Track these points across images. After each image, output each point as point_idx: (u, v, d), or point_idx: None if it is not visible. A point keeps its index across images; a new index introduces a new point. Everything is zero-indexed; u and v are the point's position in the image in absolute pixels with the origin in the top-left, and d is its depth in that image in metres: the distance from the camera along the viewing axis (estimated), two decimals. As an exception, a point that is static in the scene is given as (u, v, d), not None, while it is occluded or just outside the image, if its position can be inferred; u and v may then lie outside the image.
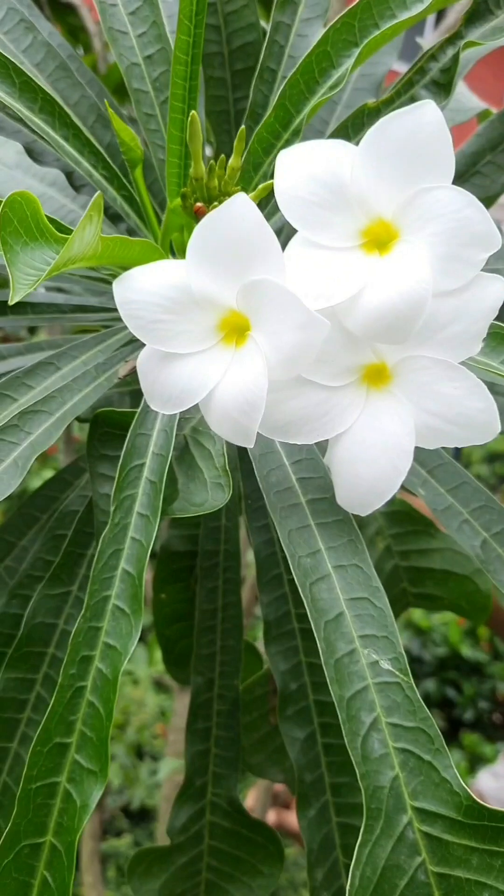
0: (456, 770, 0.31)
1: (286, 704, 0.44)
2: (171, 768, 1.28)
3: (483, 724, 2.68)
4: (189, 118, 0.35)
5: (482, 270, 0.32)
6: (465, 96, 0.64)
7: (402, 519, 0.54)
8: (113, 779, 2.08)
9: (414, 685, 0.32)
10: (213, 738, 0.49)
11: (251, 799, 1.27)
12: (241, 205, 0.30)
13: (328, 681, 0.32)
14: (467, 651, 2.79)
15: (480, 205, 0.31)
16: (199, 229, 0.30)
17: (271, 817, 1.29)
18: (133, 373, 0.43)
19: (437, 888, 0.30)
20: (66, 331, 0.74)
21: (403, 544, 0.54)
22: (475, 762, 2.45)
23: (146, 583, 0.36)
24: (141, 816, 2.14)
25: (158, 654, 2.34)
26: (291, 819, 1.17)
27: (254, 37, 0.54)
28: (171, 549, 0.57)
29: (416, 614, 2.82)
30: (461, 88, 0.64)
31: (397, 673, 0.32)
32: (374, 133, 0.32)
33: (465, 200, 0.31)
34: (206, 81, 0.56)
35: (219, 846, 0.49)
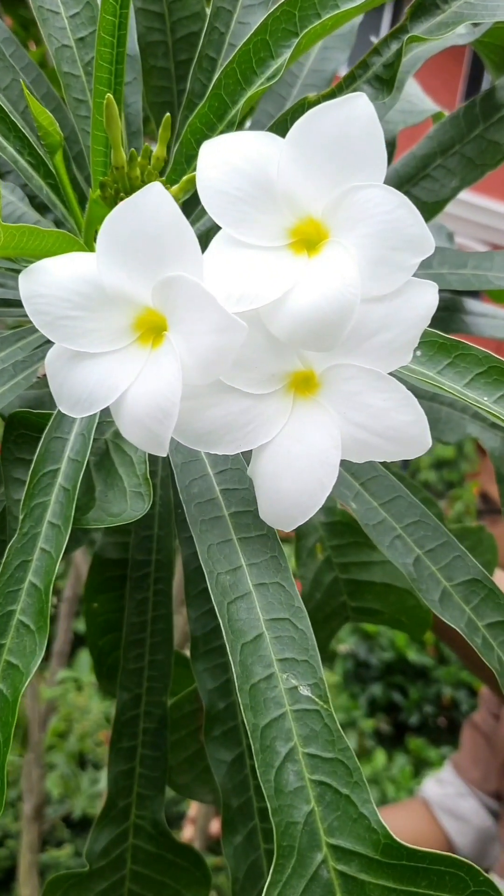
0: (374, 805, 0.29)
1: (213, 725, 0.42)
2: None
3: (428, 728, 2.71)
4: (105, 101, 0.33)
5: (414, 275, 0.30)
6: (419, 98, 0.62)
7: (342, 530, 0.53)
8: (53, 789, 2.04)
9: (334, 713, 0.30)
10: (138, 758, 0.47)
11: (193, 808, 1.25)
12: (154, 195, 0.28)
13: (242, 707, 0.30)
14: (413, 656, 2.81)
15: (412, 206, 0.29)
16: (109, 220, 0.28)
17: (215, 826, 1.27)
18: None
19: (352, 931, 0.28)
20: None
21: (344, 556, 0.53)
22: (420, 766, 2.47)
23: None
24: (83, 826, 2.10)
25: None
26: None
27: (199, 26, 0.52)
28: (105, 557, 0.55)
29: (363, 618, 2.83)
30: (415, 90, 0.62)
31: (317, 700, 0.30)
32: (302, 126, 0.30)
33: (397, 201, 0.29)
34: (148, 71, 0.53)
35: (142, 871, 0.47)
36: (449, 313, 0.58)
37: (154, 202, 0.28)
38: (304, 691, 0.31)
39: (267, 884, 0.28)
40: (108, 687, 0.59)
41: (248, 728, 0.30)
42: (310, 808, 0.29)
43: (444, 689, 2.79)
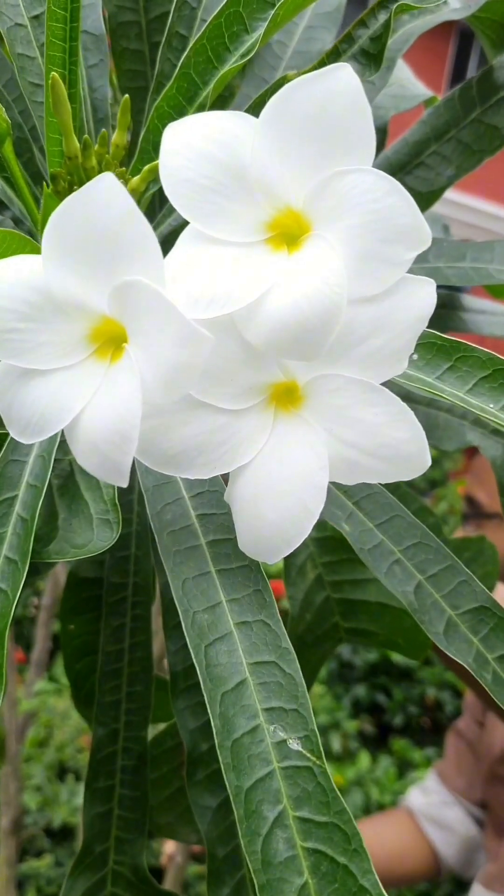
0: (376, 876, 0.26)
1: (195, 768, 0.38)
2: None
3: (412, 729, 2.70)
4: (51, 81, 0.29)
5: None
6: (411, 82, 0.58)
7: (334, 546, 0.49)
8: (30, 802, 2.01)
9: (328, 771, 0.27)
10: (116, 798, 0.43)
11: (170, 844, 1.22)
12: (107, 187, 0.24)
13: (223, 767, 0.26)
14: (398, 656, 2.79)
15: (405, 192, 0.25)
16: (55, 217, 0.24)
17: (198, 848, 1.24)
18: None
19: None
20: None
21: (336, 574, 0.49)
22: (404, 767, 2.45)
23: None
24: (63, 835, 2.07)
25: None
26: None
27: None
28: (80, 576, 0.51)
29: (348, 617, 2.82)
30: (406, 73, 0.59)
31: (308, 755, 0.27)
32: (278, 103, 0.26)
33: (387, 187, 0.26)
34: (120, 54, 0.50)
35: (123, 921, 0.43)
36: (446, 310, 0.55)
37: (105, 196, 0.24)
38: (294, 745, 0.27)
39: None
40: (86, 713, 0.55)
41: (230, 791, 0.26)
42: (303, 881, 0.25)
43: (429, 690, 2.78)
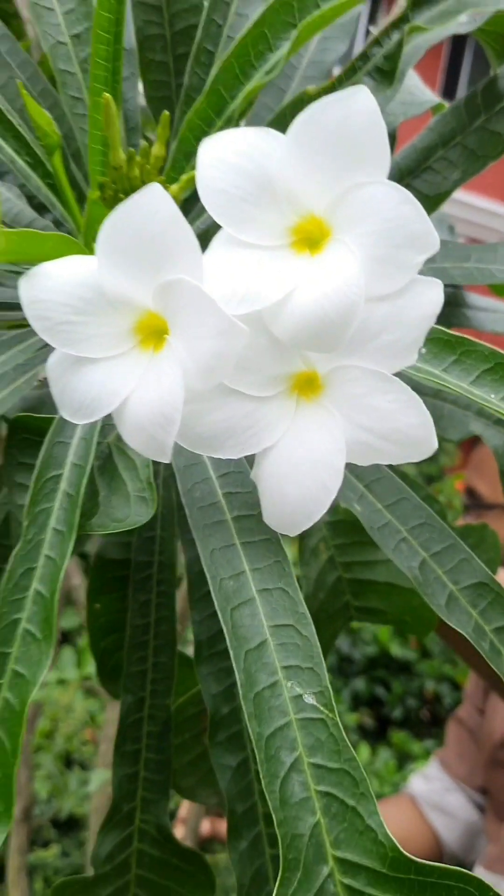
0: (381, 817, 0.29)
1: (217, 730, 0.41)
2: (102, 780, 1.25)
3: (411, 722, 2.72)
4: (103, 101, 0.32)
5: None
6: (419, 89, 0.61)
7: (346, 529, 0.52)
8: (40, 790, 2.04)
9: (339, 722, 0.30)
10: (142, 761, 0.46)
11: (184, 808, 1.25)
12: (154, 196, 0.27)
13: (246, 716, 0.30)
14: (396, 650, 2.82)
15: (416, 203, 0.28)
16: (109, 223, 0.27)
17: (205, 826, 1.27)
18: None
19: None
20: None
21: (347, 555, 0.52)
22: (404, 760, 2.48)
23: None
24: (69, 826, 2.10)
25: (87, 658, 2.30)
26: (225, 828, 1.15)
27: (198, 19, 0.51)
28: (107, 557, 0.54)
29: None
30: (415, 81, 0.61)
31: (322, 708, 0.30)
32: (303, 122, 0.29)
33: (400, 197, 0.29)
34: (146, 66, 0.53)
35: (147, 876, 0.47)
36: (450, 308, 0.57)
37: (153, 203, 0.27)
38: (309, 699, 0.30)
39: (274, 896, 0.27)
40: (110, 688, 0.59)
41: (252, 737, 0.29)
42: (315, 820, 0.28)
43: (427, 683, 2.80)
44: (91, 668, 2.28)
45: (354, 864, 0.28)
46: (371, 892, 0.28)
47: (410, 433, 0.30)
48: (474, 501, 1.07)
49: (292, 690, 0.30)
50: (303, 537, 0.53)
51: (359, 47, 0.59)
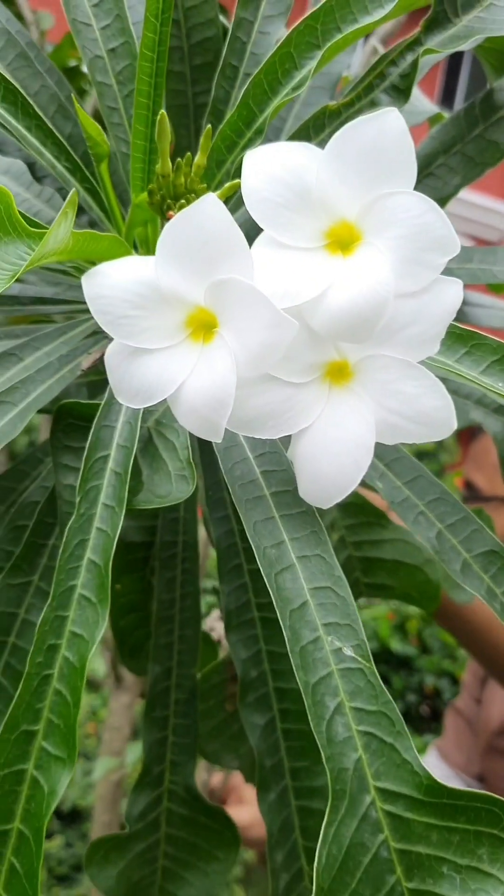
0: (416, 752, 0.33)
1: (247, 691, 0.45)
2: (106, 768, 1.28)
3: (411, 717, 2.76)
4: (158, 117, 0.36)
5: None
6: (419, 99, 0.65)
7: (355, 511, 0.56)
8: None
9: (376, 671, 0.34)
10: (170, 727, 0.50)
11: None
12: (211, 205, 0.30)
13: (294, 667, 0.33)
14: (397, 645, 2.86)
15: (440, 210, 0.32)
16: (169, 228, 0.31)
17: (215, 778, 1.30)
18: (96, 365, 0.43)
19: (399, 864, 0.31)
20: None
21: (357, 535, 0.56)
22: None
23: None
24: (72, 817, 2.13)
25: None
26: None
27: (213, 32, 0.55)
28: (127, 540, 0.57)
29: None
30: (415, 92, 0.65)
31: (360, 659, 0.34)
32: (339, 138, 0.33)
33: (426, 206, 0.32)
34: (166, 75, 0.56)
35: (176, 833, 0.50)
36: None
37: (210, 211, 0.31)
38: (348, 652, 0.34)
39: (324, 823, 0.31)
40: (130, 665, 0.62)
41: (300, 685, 0.33)
42: (358, 756, 0.32)
43: (427, 679, 2.84)
44: (92, 658, 2.30)
45: (393, 792, 0.32)
46: (409, 816, 0.31)
47: (433, 415, 0.34)
48: (472, 494, 1.12)
49: (332, 644, 0.34)
50: (315, 518, 0.56)
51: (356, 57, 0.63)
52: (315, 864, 0.30)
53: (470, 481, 1.27)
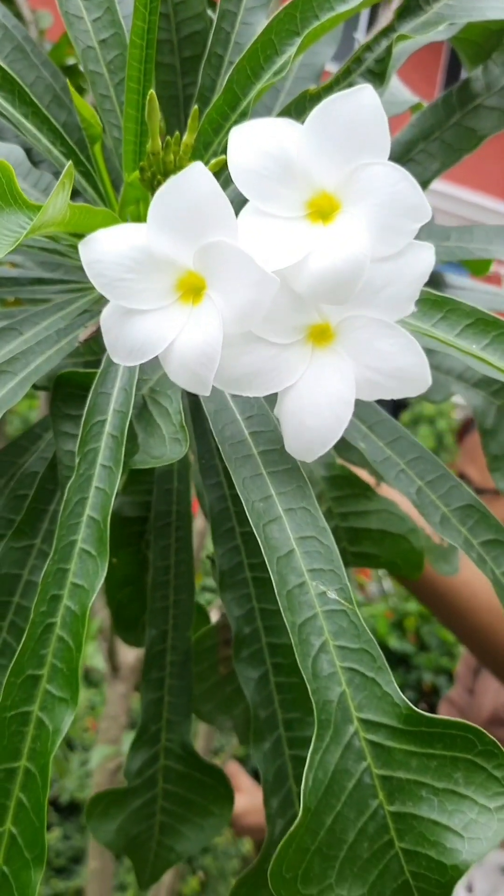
0: (395, 685, 0.35)
1: (241, 647, 0.47)
2: (103, 755, 1.30)
3: None
4: (147, 97, 0.38)
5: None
6: (400, 90, 0.68)
7: (342, 483, 0.58)
8: None
9: (358, 612, 0.36)
10: (166, 687, 0.52)
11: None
12: (199, 173, 0.33)
13: (281, 609, 0.35)
14: (395, 643, 2.88)
15: (413, 180, 0.35)
16: (159, 195, 0.33)
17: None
18: (91, 338, 0.46)
19: (381, 789, 0.34)
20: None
21: (343, 506, 0.58)
22: None
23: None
24: (70, 810, 2.14)
25: (87, 649, 2.33)
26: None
27: (201, 26, 0.57)
28: (123, 515, 0.59)
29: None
30: (395, 83, 0.68)
31: (343, 602, 0.36)
32: (318, 113, 0.35)
33: (400, 175, 0.35)
34: (155, 67, 0.58)
35: (172, 789, 0.52)
36: (434, 286, 0.64)
37: (197, 179, 0.33)
38: (332, 595, 0.36)
39: (310, 751, 0.33)
40: (127, 637, 0.64)
41: (287, 625, 0.35)
42: (342, 690, 0.34)
43: (425, 676, 2.85)
44: (91, 655, 2.32)
45: (375, 722, 0.34)
46: (390, 744, 0.34)
47: (409, 370, 0.36)
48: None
49: (317, 588, 0.36)
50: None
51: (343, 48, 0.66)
52: (302, 786, 0.33)
53: (463, 473, 1.30)
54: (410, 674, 2.85)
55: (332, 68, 0.55)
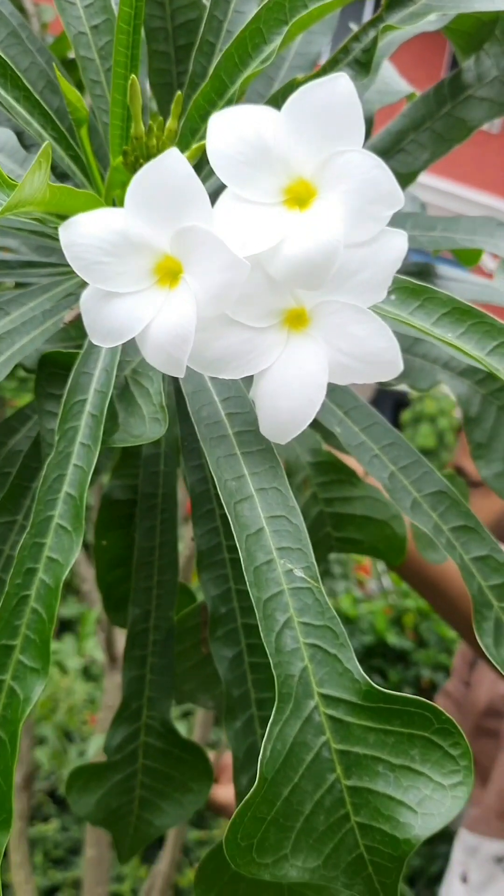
0: (356, 661, 0.36)
1: (217, 626, 0.48)
2: (100, 746, 1.31)
3: None
4: (129, 82, 0.39)
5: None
6: (394, 80, 0.68)
7: (327, 469, 0.59)
8: (42, 759, 2.10)
9: (323, 590, 0.37)
10: (148, 665, 0.53)
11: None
12: (173, 159, 0.33)
13: (248, 585, 0.36)
14: (393, 639, 2.88)
15: (386, 167, 0.35)
16: (136, 180, 0.34)
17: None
18: (75, 321, 0.46)
19: (339, 763, 0.35)
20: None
21: (328, 492, 0.59)
22: None
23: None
24: (68, 802, 2.16)
25: (87, 644, 2.34)
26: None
27: (196, 14, 0.58)
28: (113, 498, 0.60)
29: (345, 603, 2.92)
30: (391, 72, 0.68)
31: (309, 580, 0.37)
32: (294, 100, 0.36)
33: (373, 162, 0.35)
34: (150, 55, 0.59)
35: (152, 765, 0.53)
36: (423, 278, 0.64)
37: (172, 164, 0.34)
38: (299, 573, 0.37)
39: (270, 722, 0.34)
40: (115, 618, 0.65)
41: (253, 601, 0.36)
42: (304, 665, 0.35)
43: (423, 672, 2.86)
44: (91, 650, 2.34)
45: (335, 698, 0.35)
46: (349, 719, 0.35)
47: (381, 355, 0.37)
48: (462, 479, 1.15)
49: (285, 566, 0.37)
50: (289, 475, 0.59)
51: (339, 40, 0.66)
52: (259, 757, 0.33)
53: (459, 466, 1.30)
54: (409, 670, 2.85)
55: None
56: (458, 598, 0.83)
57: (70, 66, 1.07)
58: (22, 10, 0.97)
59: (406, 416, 4.67)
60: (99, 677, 2.46)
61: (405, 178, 0.57)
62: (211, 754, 1.36)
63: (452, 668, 1.56)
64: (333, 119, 0.36)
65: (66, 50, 1.09)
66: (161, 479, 0.55)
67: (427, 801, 0.34)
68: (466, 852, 1.41)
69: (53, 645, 0.38)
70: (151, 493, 0.55)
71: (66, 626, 2.65)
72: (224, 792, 1.15)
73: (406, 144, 0.58)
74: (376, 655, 2.88)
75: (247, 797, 0.33)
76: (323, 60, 0.60)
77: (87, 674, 2.51)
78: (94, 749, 1.40)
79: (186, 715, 2.14)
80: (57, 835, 2.13)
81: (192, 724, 1.66)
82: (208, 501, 0.49)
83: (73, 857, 2.09)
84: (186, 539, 1.05)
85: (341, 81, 0.35)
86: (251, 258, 0.36)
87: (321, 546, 0.60)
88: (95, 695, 2.37)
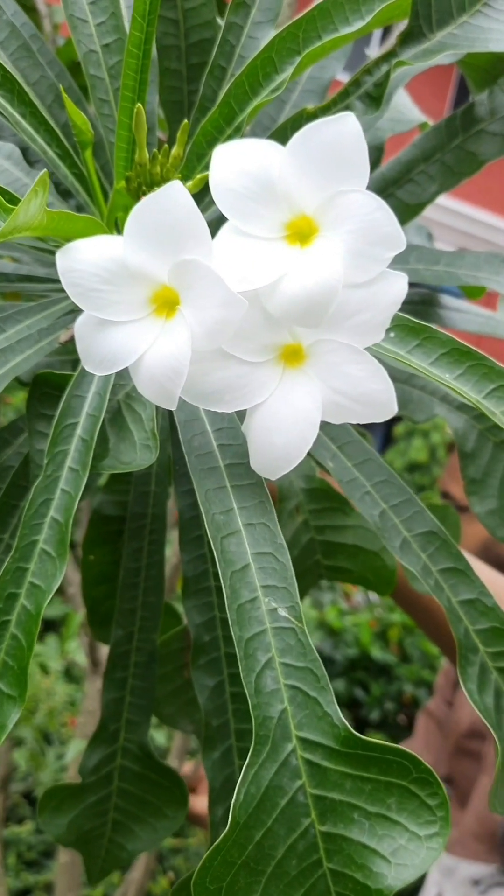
0: (336, 705, 0.35)
1: (199, 654, 0.48)
2: (78, 750, 1.31)
3: (388, 725, 2.77)
4: (136, 110, 0.38)
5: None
6: (408, 108, 0.68)
7: (320, 496, 0.59)
8: (20, 761, 2.09)
9: (307, 631, 0.36)
10: (128, 687, 0.53)
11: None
12: (176, 191, 0.33)
13: (230, 623, 0.36)
14: (377, 653, 2.88)
15: (389, 209, 0.35)
16: (136, 211, 0.33)
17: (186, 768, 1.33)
18: (73, 339, 0.46)
19: (314, 808, 0.34)
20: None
21: (320, 520, 0.59)
22: None
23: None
24: None
25: (69, 645, 2.33)
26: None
27: (210, 34, 0.58)
28: (103, 513, 0.60)
29: (330, 615, 2.92)
30: (404, 100, 0.68)
31: (293, 620, 0.36)
32: (300, 137, 0.35)
33: (376, 204, 0.35)
34: (162, 72, 0.59)
35: (127, 788, 0.53)
36: (427, 307, 0.64)
37: (174, 197, 0.33)
38: (283, 612, 0.36)
39: (245, 764, 0.34)
40: (99, 634, 0.65)
41: (234, 639, 0.36)
42: (283, 707, 0.35)
43: (406, 687, 2.86)
44: (74, 651, 2.33)
45: (313, 742, 0.34)
46: (326, 764, 0.34)
47: (376, 397, 0.37)
48: (449, 504, 1.15)
49: (269, 605, 0.36)
50: (281, 501, 0.59)
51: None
52: (233, 799, 0.33)
53: (446, 491, 1.30)
54: (392, 685, 2.85)
55: (346, 79, 0.55)
56: (446, 625, 0.82)
57: (78, 70, 1.07)
58: (34, 9, 0.97)
59: (399, 429, 4.68)
60: (81, 679, 2.45)
61: (412, 209, 0.57)
62: (189, 763, 1.36)
63: (435, 687, 1.55)
64: (339, 158, 0.35)
65: (75, 53, 1.09)
66: (151, 499, 0.55)
67: (401, 852, 0.34)
68: (443, 873, 1.40)
69: (36, 647, 0.38)
70: (141, 512, 0.55)
71: (50, 627, 2.65)
72: (201, 802, 1.15)
73: (415, 175, 0.58)
74: (359, 668, 2.88)
75: (217, 841, 0.32)
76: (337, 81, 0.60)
77: (69, 675, 2.50)
78: (72, 753, 1.39)
79: (166, 724, 2.13)
80: (31, 837, 2.12)
81: (172, 732, 1.65)
82: (197, 527, 0.49)
83: (47, 861, 2.08)
84: (174, 546, 1.05)
85: (349, 121, 0.35)
86: (250, 293, 0.35)
87: (310, 574, 0.59)
88: (76, 697, 2.37)
